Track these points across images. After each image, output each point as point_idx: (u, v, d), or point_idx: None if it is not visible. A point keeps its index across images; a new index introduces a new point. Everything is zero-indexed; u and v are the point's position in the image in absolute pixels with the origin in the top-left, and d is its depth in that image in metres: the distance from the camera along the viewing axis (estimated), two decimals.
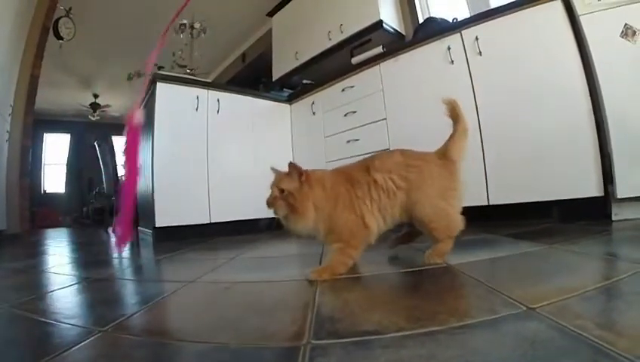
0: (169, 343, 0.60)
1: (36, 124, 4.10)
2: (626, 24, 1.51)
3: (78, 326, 0.69)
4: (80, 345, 0.58)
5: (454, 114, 1.12)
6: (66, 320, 0.72)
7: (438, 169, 1.04)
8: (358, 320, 0.61)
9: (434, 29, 2.26)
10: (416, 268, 0.99)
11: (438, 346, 0.48)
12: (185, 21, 2.92)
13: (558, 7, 1.70)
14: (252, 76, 4.71)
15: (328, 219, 1.00)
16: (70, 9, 3.98)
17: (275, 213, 1.01)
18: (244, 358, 0.51)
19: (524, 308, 0.59)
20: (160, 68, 2.88)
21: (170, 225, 2.27)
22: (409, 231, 1.19)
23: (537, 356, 0.43)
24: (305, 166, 1.02)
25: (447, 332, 0.53)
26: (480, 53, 1.91)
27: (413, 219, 1.02)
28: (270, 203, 1.00)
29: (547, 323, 0.52)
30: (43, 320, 0.73)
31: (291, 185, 0.99)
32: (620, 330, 0.48)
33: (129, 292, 1.04)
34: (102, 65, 5.81)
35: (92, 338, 0.61)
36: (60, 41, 4.05)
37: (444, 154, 1.07)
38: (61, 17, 3.98)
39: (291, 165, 1.00)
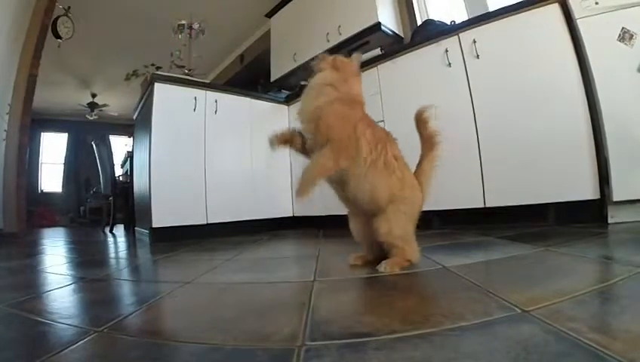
0: (165, 344, 0.60)
1: (34, 122, 4.08)
2: (623, 28, 1.52)
3: (74, 326, 0.69)
4: (76, 345, 0.58)
5: (430, 129, 1.11)
6: (61, 320, 0.72)
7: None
8: (352, 322, 0.62)
9: (432, 32, 2.26)
10: (411, 271, 0.99)
11: (431, 348, 0.49)
12: (183, 21, 2.91)
13: (556, 11, 1.71)
14: (250, 77, 4.71)
15: (331, 117, 1.00)
16: (69, 8, 3.97)
17: (316, 65, 1.12)
18: (239, 359, 0.51)
19: (519, 311, 0.60)
20: (158, 68, 2.87)
21: (167, 225, 2.27)
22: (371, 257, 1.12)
23: (531, 359, 0.43)
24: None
25: (441, 335, 0.53)
26: (477, 56, 1.92)
27: (379, 215, 1.00)
28: (323, 55, 1.14)
29: (541, 326, 0.53)
30: (39, 319, 0.73)
31: (346, 61, 1.13)
32: (613, 333, 0.48)
33: (125, 293, 1.04)
34: (100, 65, 5.80)
35: (88, 338, 0.61)
36: (59, 40, 4.03)
37: (420, 181, 1.09)
38: (60, 16, 3.97)
39: (357, 56, 1.15)
